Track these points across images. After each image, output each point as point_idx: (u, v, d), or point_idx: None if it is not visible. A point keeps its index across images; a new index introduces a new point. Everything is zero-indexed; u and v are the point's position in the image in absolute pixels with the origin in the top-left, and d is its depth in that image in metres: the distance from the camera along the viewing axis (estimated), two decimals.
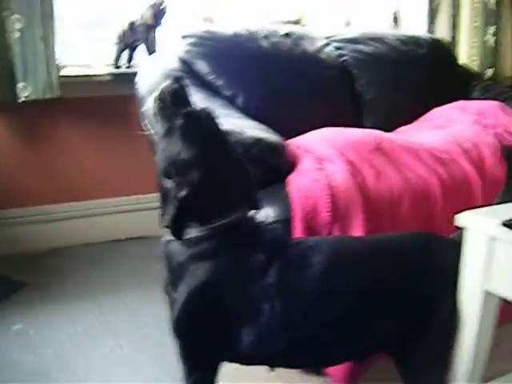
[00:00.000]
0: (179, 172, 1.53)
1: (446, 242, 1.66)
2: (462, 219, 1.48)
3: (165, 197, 1.59)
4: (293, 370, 2.12)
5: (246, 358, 1.64)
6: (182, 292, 1.55)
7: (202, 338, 1.59)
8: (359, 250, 1.63)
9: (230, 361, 1.67)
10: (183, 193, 1.50)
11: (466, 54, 3.91)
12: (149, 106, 1.70)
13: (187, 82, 2.59)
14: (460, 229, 1.51)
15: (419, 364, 1.60)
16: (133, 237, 3.40)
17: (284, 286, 1.53)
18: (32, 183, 3.21)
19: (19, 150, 3.17)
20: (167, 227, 1.57)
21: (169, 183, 1.56)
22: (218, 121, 1.64)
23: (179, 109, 1.60)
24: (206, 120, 1.62)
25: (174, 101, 1.62)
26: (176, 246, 1.59)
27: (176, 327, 1.60)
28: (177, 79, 1.67)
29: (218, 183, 1.57)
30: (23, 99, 2.88)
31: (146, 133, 1.98)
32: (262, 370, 1.94)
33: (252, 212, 1.66)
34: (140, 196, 3.38)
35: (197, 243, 1.55)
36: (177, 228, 1.54)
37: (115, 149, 3.27)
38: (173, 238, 1.57)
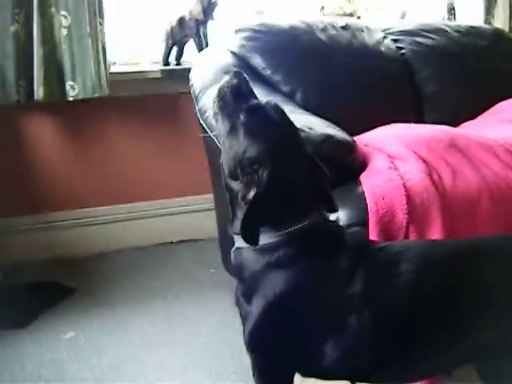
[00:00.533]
0: (246, 172, 1.41)
1: None
2: None
3: (233, 200, 1.47)
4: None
5: (328, 374, 1.50)
6: (257, 304, 1.43)
7: (280, 353, 1.46)
8: (452, 255, 1.48)
9: (308, 376, 1.54)
10: (252, 193, 1.37)
11: None
12: (206, 105, 1.55)
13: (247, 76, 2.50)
14: None
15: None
16: (184, 239, 3.31)
17: (372, 295, 1.39)
18: (80, 185, 3.14)
19: (68, 150, 3.10)
20: (238, 234, 1.44)
21: (236, 185, 1.45)
22: (286, 114, 1.50)
23: (242, 104, 1.47)
24: (272, 113, 1.48)
25: (235, 97, 1.49)
26: (249, 254, 1.46)
27: (250, 341, 1.48)
28: (236, 73, 1.54)
29: (291, 182, 1.43)
30: (71, 98, 2.80)
31: (203, 135, 1.84)
32: None
33: (329, 214, 1.53)
34: (191, 197, 3.28)
35: (273, 250, 1.42)
36: (249, 233, 1.39)
37: (166, 149, 3.18)
38: (244, 245, 1.43)
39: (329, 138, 1.96)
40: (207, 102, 2.41)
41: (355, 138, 2.16)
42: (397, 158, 2.07)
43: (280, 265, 1.41)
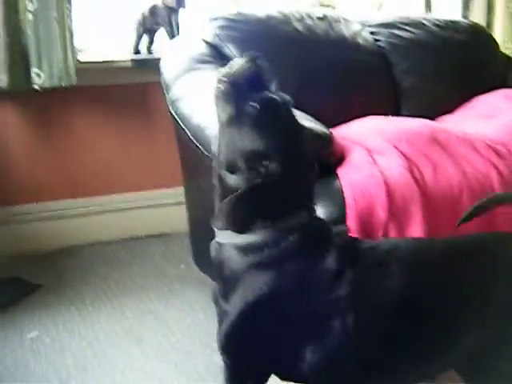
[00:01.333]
0: (250, 165, 1.32)
1: None
2: None
3: (224, 193, 1.38)
4: None
5: (307, 379, 1.43)
6: (235, 304, 1.35)
7: (254, 357, 1.39)
8: (442, 253, 1.43)
9: (286, 379, 1.47)
10: (257, 181, 1.31)
11: (501, 41, 3.71)
12: (177, 95, 1.44)
13: (215, 66, 2.42)
14: None
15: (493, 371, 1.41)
16: (153, 234, 3.21)
17: (359, 298, 1.32)
18: (46, 177, 3.03)
19: (32, 141, 2.99)
20: (222, 228, 1.38)
21: (232, 179, 1.36)
22: (293, 111, 1.44)
23: (253, 94, 1.37)
24: (284, 109, 1.42)
25: (248, 87, 1.38)
26: (231, 252, 1.38)
27: (224, 343, 1.41)
28: (253, 59, 1.43)
29: (292, 180, 1.36)
30: (37, 87, 2.69)
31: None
32: None
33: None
34: (161, 190, 3.19)
35: (257, 250, 1.34)
36: (240, 221, 1.35)
37: (135, 140, 3.09)
38: (226, 241, 1.37)
39: (306, 130, 1.89)
40: (178, 92, 2.33)
41: (332, 131, 2.10)
42: (377, 152, 2.01)
43: (263, 266, 1.34)
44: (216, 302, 1.45)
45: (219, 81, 1.41)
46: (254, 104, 1.35)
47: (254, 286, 1.33)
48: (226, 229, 1.39)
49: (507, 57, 3.46)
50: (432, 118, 2.68)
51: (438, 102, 2.90)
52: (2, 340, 2.26)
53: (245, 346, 1.39)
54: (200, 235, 1.47)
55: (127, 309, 2.49)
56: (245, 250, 1.35)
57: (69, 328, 2.35)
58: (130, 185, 3.17)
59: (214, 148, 1.43)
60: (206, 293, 1.54)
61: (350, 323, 1.31)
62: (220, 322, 1.41)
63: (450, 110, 2.88)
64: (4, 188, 2.96)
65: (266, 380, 1.46)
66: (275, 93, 1.43)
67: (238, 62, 1.42)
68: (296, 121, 1.44)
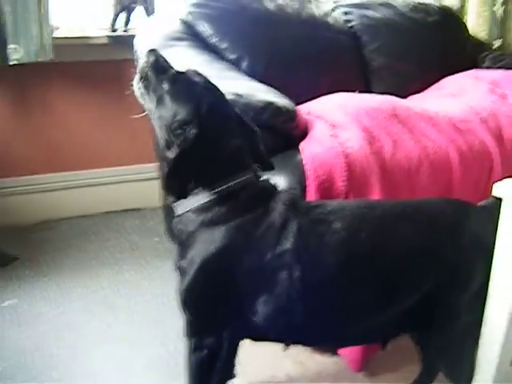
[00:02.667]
0: (176, 134, 1.45)
1: (477, 209, 1.57)
2: (500, 189, 1.37)
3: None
4: (305, 352, 2.04)
5: (261, 333, 1.53)
6: (191, 260, 1.45)
7: (213, 311, 1.49)
8: (384, 214, 1.52)
9: (244, 336, 1.58)
10: (182, 146, 1.42)
11: (474, 24, 3.77)
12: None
13: (188, 43, 2.48)
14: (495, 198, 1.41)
15: (445, 342, 1.53)
16: (128, 208, 3.28)
17: (303, 252, 1.43)
18: (22, 152, 3.06)
19: (8, 116, 3.01)
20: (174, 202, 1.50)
21: (169, 154, 1.47)
22: (208, 78, 1.56)
23: (163, 76, 1.54)
24: (193, 78, 1.54)
25: (156, 72, 1.55)
26: (186, 218, 1.49)
27: (184, 298, 1.50)
28: (151, 51, 1.59)
29: (218, 140, 1.47)
30: (14, 62, 2.71)
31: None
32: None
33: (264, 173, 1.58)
34: (136, 166, 3.24)
35: (206, 209, 1.46)
36: (173, 187, 1.47)
37: (110, 116, 3.12)
38: (183, 211, 1.49)
39: (269, 104, 1.97)
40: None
41: (297, 107, 2.17)
42: (338, 126, 2.09)
43: (213, 223, 1.45)
44: (177, 267, 1.54)
45: (137, 81, 1.57)
46: (164, 82, 1.51)
47: (208, 241, 1.43)
48: (175, 200, 1.51)
49: (477, 40, 3.54)
50: (401, 97, 2.75)
51: (408, 81, 2.96)
52: None
53: (203, 301, 1.48)
54: (171, 209, 1.57)
55: (103, 279, 2.57)
56: (196, 211, 1.46)
57: (45, 296, 2.43)
58: (106, 160, 3.21)
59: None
60: None
61: (296, 275, 1.40)
62: (180, 281, 1.50)
63: (419, 90, 2.94)
64: None
65: (235, 342, 1.55)
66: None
67: (142, 63, 1.58)
68: (213, 86, 1.55)
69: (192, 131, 1.42)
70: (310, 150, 1.93)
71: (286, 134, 2.03)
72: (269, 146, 1.96)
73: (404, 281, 1.47)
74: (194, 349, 1.54)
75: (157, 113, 1.52)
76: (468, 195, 2.00)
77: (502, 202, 1.38)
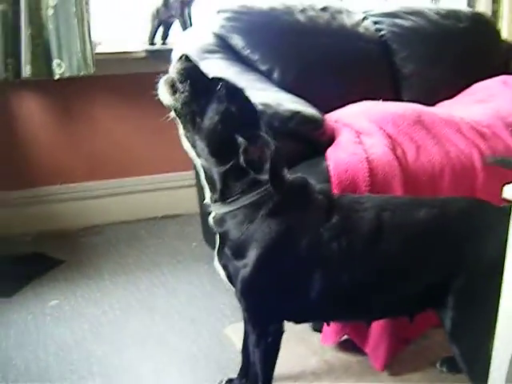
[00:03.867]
0: (249, 138, 1.55)
1: (493, 206, 1.70)
2: (509, 191, 1.41)
3: (223, 176, 1.61)
4: (331, 351, 2.12)
5: (311, 313, 1.75)
6: (253, 252, 1.58)
7: (272, 294, 1.63)
8: (403, 202, 1.71)
9: (294, 318, 1.77)
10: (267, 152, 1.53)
11: (508, 29, 3.80)
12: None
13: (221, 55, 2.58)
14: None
15: (450, 318, 1.64)
16: (169, 215, 3.41)
17: (347, 224, 1.61)
18: (68, 161, 3.22)
19: (54, 127, 3.18)
20: (218, 202, 1.64)
21: (217, 162, 1.60)
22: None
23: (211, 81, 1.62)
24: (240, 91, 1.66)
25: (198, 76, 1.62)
26: (234, 217, 1.62)
27: (246, 288, 1.62)
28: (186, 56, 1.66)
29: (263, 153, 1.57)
30: (58, 76, 2.88)
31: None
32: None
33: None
34: (175, 173, 3.37)
35: (264, 203, 1.59)
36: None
37: (150, 126, 3.24)
38: (225, 210, 1.62)
39: (296, 113, 2.05)
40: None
41: (326, 115, 2.25)
42: (363, 133, 2.16)
43: (271, 214, 1.59)
44: (224, 266, 1.67)
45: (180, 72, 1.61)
46: (220, 87, 1.59)
47: (264, 234, 1.58)
48: (221, 201, 1.62)
49: (511, 44, 3.55)
50: (432, 104, 2.80)
51: (438, 88, 3.00)
52: (25, 307, 2.47)
53: (264, 287, 1.62)
54: (208, 215, 1.68)
55: (141, 282, 2.69)
56: (252, 206, 1.59)
57: (87, 298, 2.56)
58: (146, 168, 3.36)
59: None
60: (214, 267, 1.74)
61: (344, 244, 1.59)
62: (236, 276, 1.62)
63: (449, 96, 2.97)
64: (29, 171, 3.17)
65: (283, 320, 1.70)
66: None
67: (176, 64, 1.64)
68: (251, 101, 1.66)
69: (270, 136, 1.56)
70: (335, 156, 2.01)
71: (313, 141, 2.11)
72: (298, 153, 2.07)
73: (421, 257, 1.64)
74: (261, 337, 1.67)
75: (211, 116, 1.57)
76: (492, 200, 2.04)
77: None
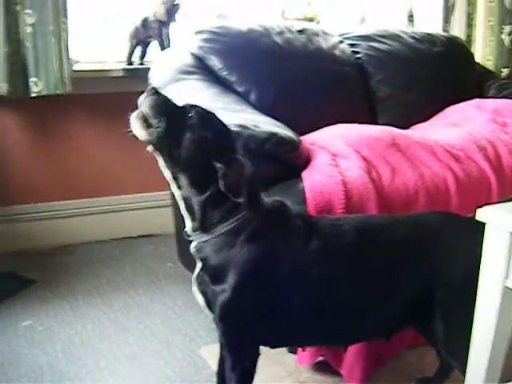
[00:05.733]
0: (224, 161, 1.54)
1: (461, 219, 1.75)
2: (482, 214, 1.44)
3: (204, 204, 1.60)
4: (307, 372, 2.12)
5: (289, 337, 1.74)
6: (232, 277, 1.57)
7: (250, 320, 1.62)
8: (379, 222, 1.74)
9: (274, 345, 1.78)
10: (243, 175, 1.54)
11: (481, 53, 3.87)
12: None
13: (199, 77, 2.60)
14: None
15: (442, 332, 1.66)
16: (144, 234, 3.40)
17: (326, 249, 1.61)
18: (43, 179, 3.20)
19: (30, 145, 3.16)
20: (197, 231, 1.62)
21: (195, 191, 1.60)
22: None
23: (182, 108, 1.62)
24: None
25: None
26: (213, 244, 1.60)
27: (224, 313, 1.60)
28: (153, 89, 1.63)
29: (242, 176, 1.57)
30: (34, 94, 2.87)
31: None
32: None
33: None
34: (151, 193, 3.36)
35: (242, 229, 1.58)
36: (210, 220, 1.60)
37: (127, 146, 3.18)
38: (205, 238, 1.60)
39: (273, 135, 2.07)
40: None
41: (302, 137, 2.27)
42: (339, 155, 2.18)
43: (252, 240, 1.58)
44: (203, 292, 1.66)
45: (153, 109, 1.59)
46: (192, 115, 1.59)
47: (243, 260, 1.57)
48: (201, 230, 1.62)
49: (484, 69, 3.62)
50: (406, 127, 2.84)
51: (413, 111, 3.04)
52: None
53: (242, 312, 1.61)
54: (183, 236, 1.67)
55: (115, 303, 2.67)
56: (230, 233, 1.58)
57: (60, 318, 2.52)
58: (123, 188, 3.35)
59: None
60: (190, 288, 1.73)
61: (325, 270, 1.60)
62: (214, 301, 1.61)
63: (424, 119, 3.02)
64: (3, 189, 3.13)
65: (259, 345, 1.69)
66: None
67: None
68: (225, 124, 1.66)
69: (242, 159, 1.56)
70: (311, 179, 2.02)
71: (289, 163, 2.13)
72: (273, 175, 2.08)
73: (400, 275, 1.66)
74: (237, 361, 1.64)
75: (189, 145, 1.56)
76: None
77: (486, 227, 1.45)
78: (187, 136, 1.55)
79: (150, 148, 1.61)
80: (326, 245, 1.62)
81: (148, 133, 1.56)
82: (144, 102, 1.58)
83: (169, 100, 1.61)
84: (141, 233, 3.39)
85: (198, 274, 1.67)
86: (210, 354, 2.19)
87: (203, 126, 1.57)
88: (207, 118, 1.61)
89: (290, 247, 1.61)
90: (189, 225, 1.64)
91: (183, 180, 1.58)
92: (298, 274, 1.60)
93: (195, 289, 1.68)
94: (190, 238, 1.65)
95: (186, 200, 1.61)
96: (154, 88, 1.62)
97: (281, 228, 1.63)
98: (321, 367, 2.12)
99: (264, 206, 1.63)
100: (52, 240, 3.22)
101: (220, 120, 1.64)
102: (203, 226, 1.60)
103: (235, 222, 1.58)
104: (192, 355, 2.25)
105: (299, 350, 2.09)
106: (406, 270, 1.65)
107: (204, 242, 1.61)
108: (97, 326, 2.47)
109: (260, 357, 1.68)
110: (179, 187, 1.60)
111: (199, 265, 1.66)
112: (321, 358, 2.08)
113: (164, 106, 1.58)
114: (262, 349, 1.70)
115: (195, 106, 1.61)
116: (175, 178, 1.60)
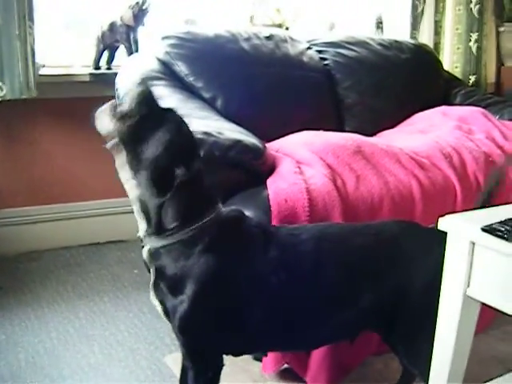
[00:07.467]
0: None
1: (422, 229, 1.76)
2: (444, 223, 1.46)
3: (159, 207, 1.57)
4: (271, 379, 2.12)
5: (252, 345, 1.73)
6: (190, 289, 1.55)
7: (210, 330, 1.61)
8: (338, 232, 1.74)
9: (236, 353, 1.75)
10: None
11: (449, 61, 3.92)
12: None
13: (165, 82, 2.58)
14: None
15: (403, 342, 1.68)
16: (111, 240, 3.36)
17: (284, 258, 1.61)
18: (8, 185, 3.15)
19: None
20: (153, 234, 1.58)
21: (154, 193, 1.55)
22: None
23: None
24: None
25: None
26: (170, 253, 1.57)
27: (184, 324, 1.57)
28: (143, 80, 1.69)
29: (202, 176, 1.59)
30: None
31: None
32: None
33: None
34: (119, 199, 3.30)
35: (199, 240, 1.56)
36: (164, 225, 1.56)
37: (93, 151, 3.17)
38: (161, 243, 1.56)
39: (237, 142, 2.06)
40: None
41: (267, 144, 2.27)
42: (304, 163, 2.18)
43: (210, 249, 1.56)
44: (161, 302, 1.63)
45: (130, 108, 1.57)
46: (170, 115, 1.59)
47: (201, 270, 1.55)
48: (155, 234, 1.57)
49: (452, 76, 3.66)
50: (373, 133, 2.86)
51: (380, 118, 3.07)
52: None
53: (202, 323, 1.59)
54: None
55: (80, 310, 2.64)
56: (186, 243, 1.56)
57: (23, 326, 2.49)
58: (90, 193, 3.30)
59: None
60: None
61: (283, 278, 1.59)
62: (173, 312, 1.58)
63: (391, 126, 3.04)
64: None
65: (221, 355, 1.68)
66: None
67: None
68: (191, 131, 1.64)
69: (195, 164, 1.55)
70: (275, 186, 2.02)
71: (253, 171, 2.12)
72: (237, 182, 2.07)
73: (358, 284, 1.65)
74: (200, 373, 1.63)
75: (148, 147, 1.54)
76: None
77: (447, 236, 1.47)
78: (159, 134, 1.53)
79: (110, 144, 1.59)
80: (284, 254, 1.61)
81: (118, 124, 1.55)
82: (131, 91, 1.57)
83: (153, 96, 1.59)
84: (108, 239, 3.35)
85: (155, 282, 1.63)
86: (175, 361, 2.16)
87: (178, 129, 1.57)
88: (183, 123, 1.60)
89: (248, 257, 1.60)
90: (142, 228, 1.61)
91: (143, 179, 1.55)
92: (256, 283, 1.59)
93: (153, 297, 1.66)
94: (142, 243, 1.63)
95: (142, 202, 1.58)
96: (144, 79, 1.62)
97: (238, 238, 1.63)
98: (286, 374, 2.12)
99: (222, 216, 1.61)
100: (17, 246, 3.17)
101: (188, 126, 1.63)
102: (159, 231, 1.57)
103: (192, 231, 1.55)
104: (157, 363, 2.24)
105: (264, 357, 2.09)
106: (364, 278, 1.65)
107: (159, 247, 1.58)
108: (61, 333, 2.44)
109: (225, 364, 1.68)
110: (136, 187, 1.58)
111: (153, 272, 1.62)
112: (286, 366, 2.08)
113: (148, 99, 1.57)
114: (227, 357, 1.69)
115: (172, 110, 1.62)
116: (134, 177, 1.58)
